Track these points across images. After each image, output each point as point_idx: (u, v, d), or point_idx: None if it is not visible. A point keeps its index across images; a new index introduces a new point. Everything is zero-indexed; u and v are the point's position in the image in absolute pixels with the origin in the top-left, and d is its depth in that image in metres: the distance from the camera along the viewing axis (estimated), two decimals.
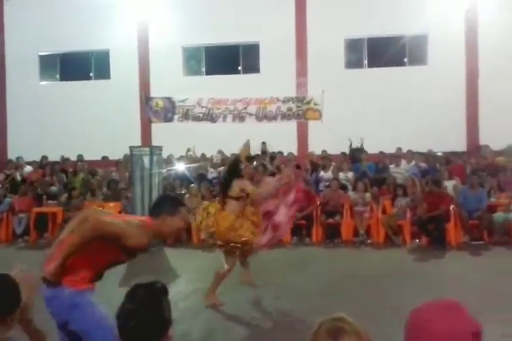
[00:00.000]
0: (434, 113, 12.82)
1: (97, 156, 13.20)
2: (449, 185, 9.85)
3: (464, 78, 13.29)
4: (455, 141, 12.47)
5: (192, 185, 10.14)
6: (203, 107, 13.16)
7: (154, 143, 13.16)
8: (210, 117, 13.14)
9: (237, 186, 5.70)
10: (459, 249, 8.48)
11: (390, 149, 12.03)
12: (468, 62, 13.28)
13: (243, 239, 5.61)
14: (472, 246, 8.52)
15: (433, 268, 7.24)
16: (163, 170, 9.72)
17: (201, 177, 11.08)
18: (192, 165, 11.55)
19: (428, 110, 12.88)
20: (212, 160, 12.16)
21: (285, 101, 13.46)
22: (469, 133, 13.18)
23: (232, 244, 5.64)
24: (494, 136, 12.13)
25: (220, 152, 12.51)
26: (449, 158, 11.33)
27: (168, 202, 3.06)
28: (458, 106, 13.16)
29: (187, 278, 7.19)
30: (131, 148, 9.47)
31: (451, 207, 9.00)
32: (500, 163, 10.64)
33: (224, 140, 12.70)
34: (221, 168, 11.34)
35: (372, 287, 6.43)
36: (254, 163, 7.10)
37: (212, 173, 11.27)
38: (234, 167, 6.06)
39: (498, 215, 8.89)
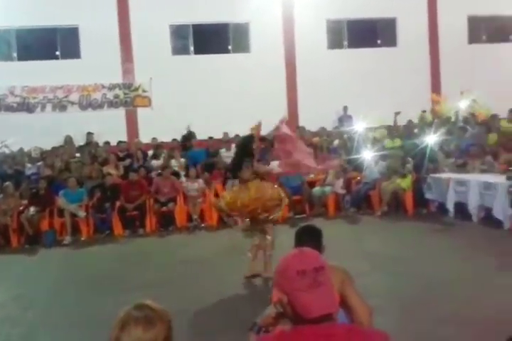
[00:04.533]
0: (259, 98, 13.37)
1: None
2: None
3: (284, 65, 14.12)
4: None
5: (7, 183, 9.11)
6: (16, 96, 11.97)
7: None
8: (26, 107, 12.00)
9: (247, 171, 5.74)
10: (284, 223, 9.09)
11: (219, 134, 12.32)
12: (287, 50, 14.11)
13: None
14: (295, 220, 9.20)
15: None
16: None
17: (18, 174, 10.05)
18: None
19: (253, 96, 13.40)
20: (30, 154, 11.08)
21: (111, 88, 12.91)
22: (290, 116, 14.04)
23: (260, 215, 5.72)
24: (310, 119, 13.18)
25: (38, 148, 11.37)
26: (272, 140, 11.98)
27: None
28: (280, 91, 13.95)
29: (4, 286, 6.51)
30: None
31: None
32: (316, 142, 11.63)
33: (44, 132, 11.66)
34: (40, 163, 10.41)
35: (202, 270, 6.56)
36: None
37: (30, 169, 10.28)
38: (246, 146, 5.92)
39: (317, 190, 9.73)
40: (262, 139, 6.49)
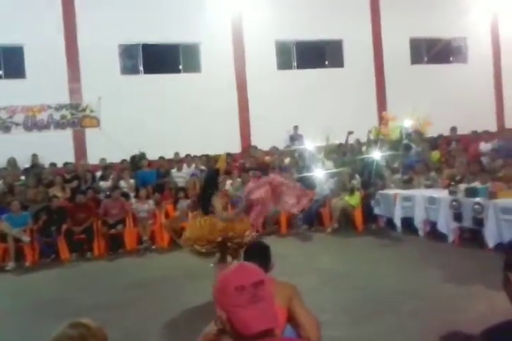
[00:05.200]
0: (211, 118, 13.43)
1: None
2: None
3: (235, 84, 14.26)
4: (230, 144, 13.25)
5: None
6: None
7: None
8: None
9: (218, 204, 5.72)
10: None
11: (170, 154, 12.22)
12: (237, 70, 14.28)
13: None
14: None
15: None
16: None
17: None
18: None
19: (204, 115, 13.42)
20: None
21: (58, 108, 12.61)
22: (243, 136, 14.20)
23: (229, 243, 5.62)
24: (262, 138, 13.33)
25: None
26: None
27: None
28: (231, 111, 14.04)
29: None
30: None
31: None
32: (268, 161, 11.74)
33: None
34: None
35: (153, 292, 6.40)
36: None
37: None
38: (213, 180, 5.91)
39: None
40: (227, 172, 6.56)
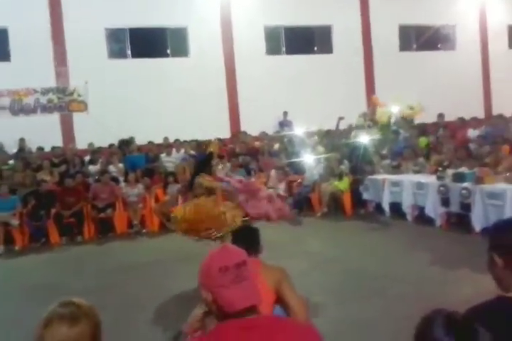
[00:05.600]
0: (199, 103, 13.36)
1: None
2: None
3: (224, 69, 14.16)
4: (219, 129, 13.22)
5: None
6: None
7: None
8: None
9: (202, 179, 5.53)
10: None
11: (159, 139, 12.17)
12: (226, 54, 14.17)
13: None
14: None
15: (204, 248, 7.60)
16: None
17: None
18: None
19: (193, 100, 13.35)
20: None
21: (44, 92, 12.45)
22: (232, 121, 14.16)
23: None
24: (252, 124, 13.31)
25: None
26: None
27: None
28: (220, 96, 13.97)
29: None
30: None
31: None
32: (257, 146, 11.75)
33: None
34: None
35: (143, 276, 6.43)
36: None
37: None
38: (205, 163, 5.88)
39: None
40: (220, 156, 6.50)
